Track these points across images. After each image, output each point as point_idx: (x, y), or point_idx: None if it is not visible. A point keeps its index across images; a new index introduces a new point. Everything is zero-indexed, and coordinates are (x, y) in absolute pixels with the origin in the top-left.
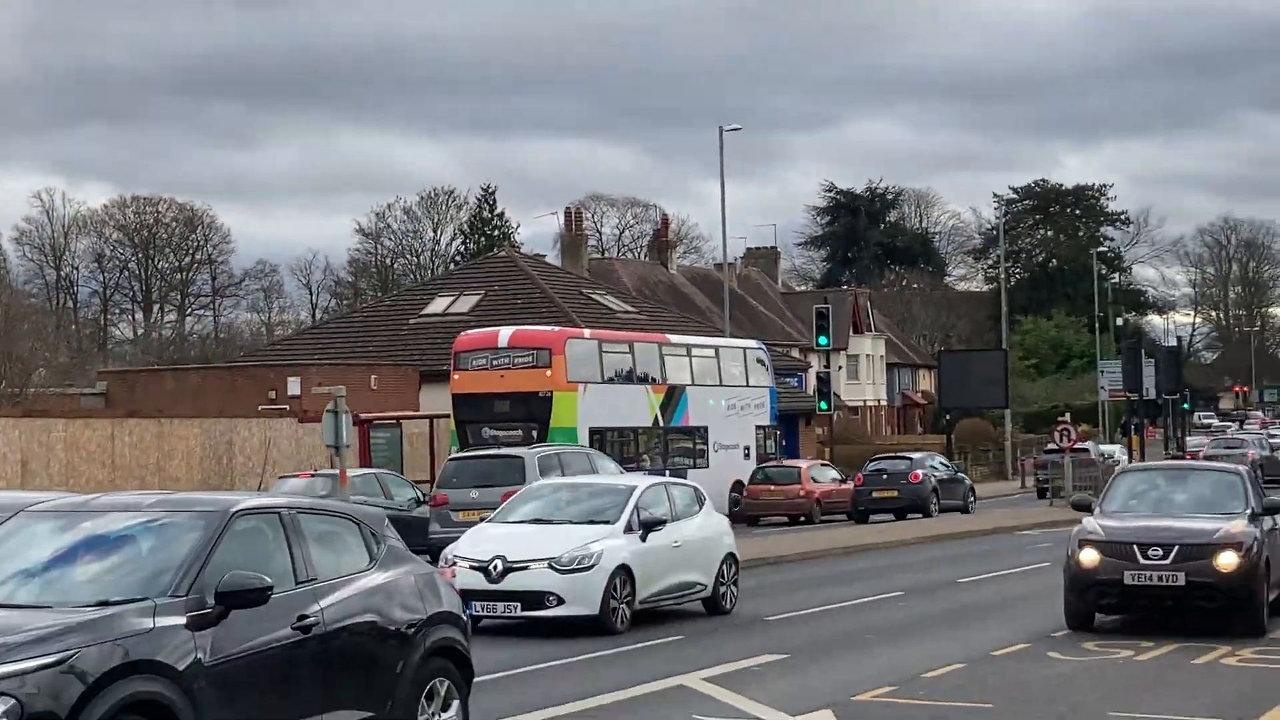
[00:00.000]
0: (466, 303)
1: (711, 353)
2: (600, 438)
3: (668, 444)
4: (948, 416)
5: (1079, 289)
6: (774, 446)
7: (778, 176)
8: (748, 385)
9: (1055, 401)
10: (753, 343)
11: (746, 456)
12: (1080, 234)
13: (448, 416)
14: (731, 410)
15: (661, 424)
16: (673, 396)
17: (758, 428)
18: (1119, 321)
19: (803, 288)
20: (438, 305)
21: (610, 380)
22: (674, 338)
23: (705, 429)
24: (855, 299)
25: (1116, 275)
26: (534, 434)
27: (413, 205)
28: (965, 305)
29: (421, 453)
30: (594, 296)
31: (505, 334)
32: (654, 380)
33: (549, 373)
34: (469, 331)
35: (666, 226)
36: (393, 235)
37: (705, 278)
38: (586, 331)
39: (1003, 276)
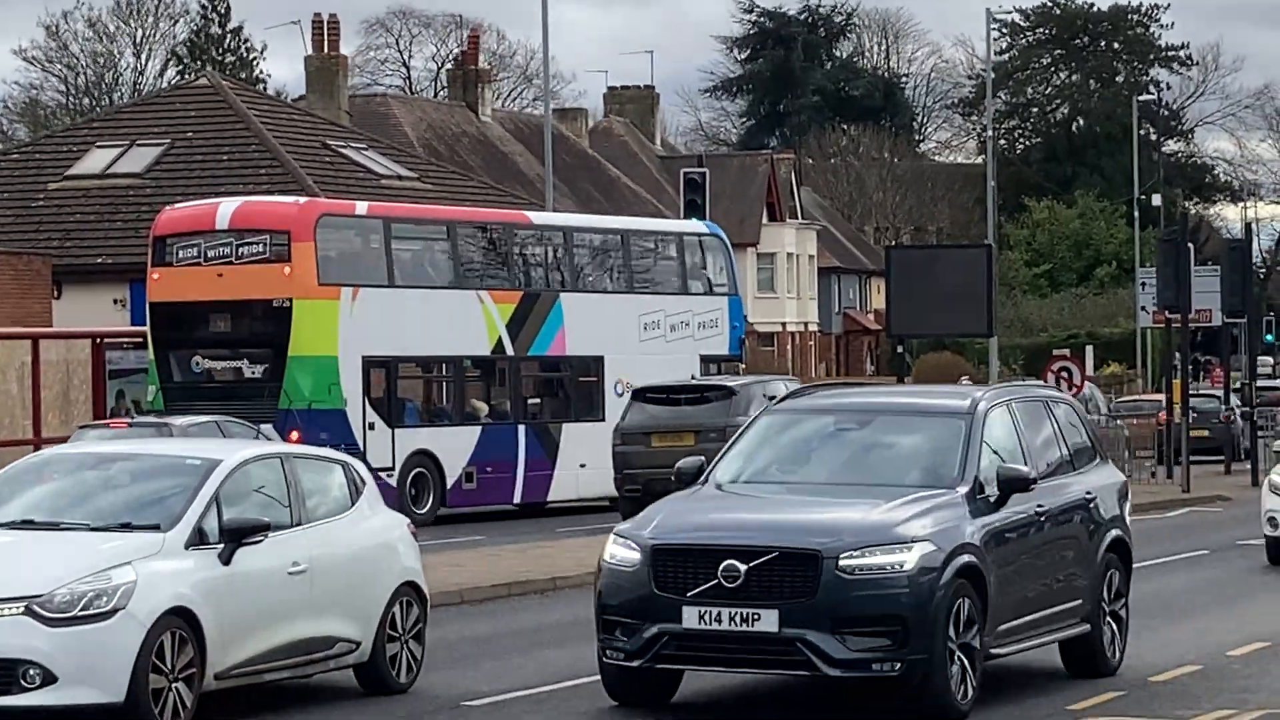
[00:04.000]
0: (141, 157)
1: (615, 240)
2: (385, 373)
3: (524, 385)
4: (900, 348)
5: (1117, 161)
6: None
7: None
8: (686, 292)
9: (1075, 328)
10: (699, 224)
11: None
12: (1120, 79)
13: (74, 337)
14: (653, 331)
15: (511, 352)
16: (533, 309)
17: (705, 359)
18: (1157, 204)
19: (705, 149)
20: (95, 160)
21: (402, 284)
22: (539, 216)
23: (599, 360)
24: (773, 167)
25: (1172, 142)
26: (267, 367)
27: (101, 15)
28: (947, 183)
29: (15, 396)
30: (345, 152)
31: (227, 209)
32: (496, 283)
33: (287, 269)
34: (176, 206)
35: (476, 48)
36: (72, 61)
37: (539, 129)
38: (361, 204)
39: (990, 129)
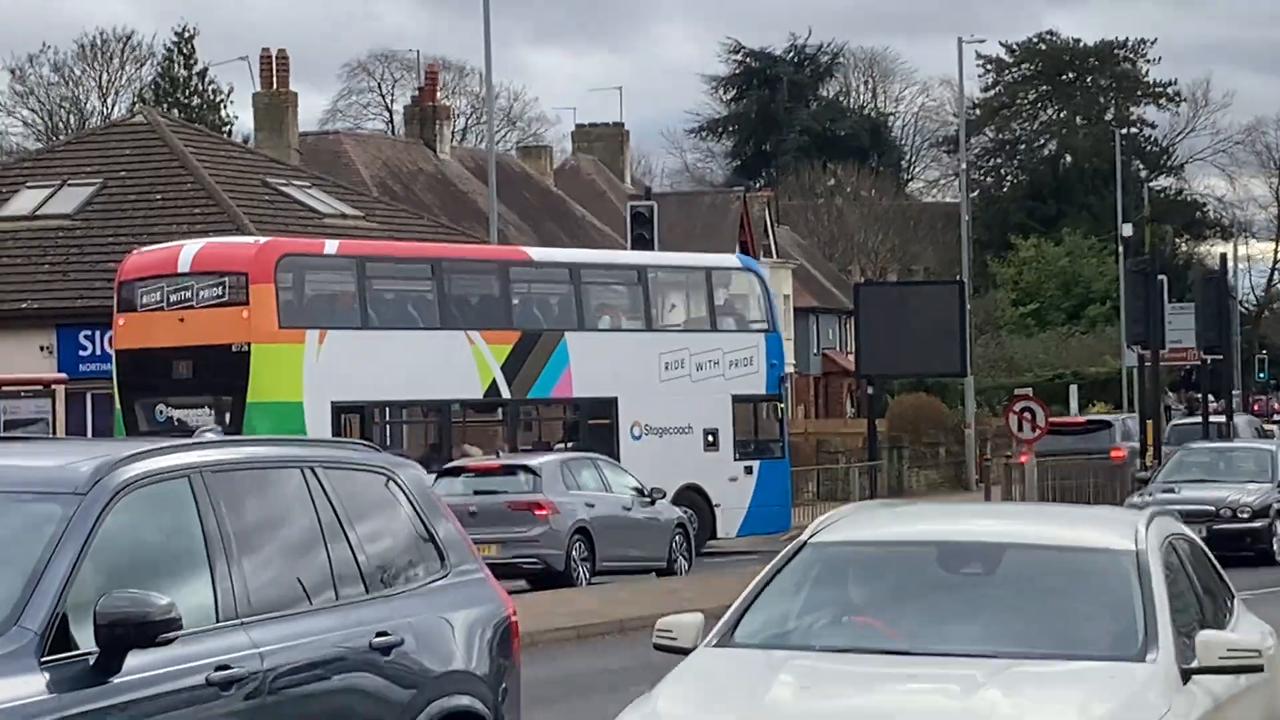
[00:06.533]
0: (72, 198)
1: (631, 276)
2: (359, 419)
3: (520, 429)
4: (871, 389)
5: (1104, 199)
6: (775, 429)
7: (644, 43)
8: (714, 329)
9: (1060, 368)
10: (730, 258)
11: (711, 446)
12: (1108, 115)
13: None
14: (676, 370)
15: (508, 394)
16: (534, 349)
17: (738, 399)
18: (1128, 234)
19: (679, 187)
20: (25, 201)
21: (378, 325)
22: (539, 252)
23: (613, 402)
24: (745, 205)
25: (1162, 178)
26: (227, 415)
27: (67, 59)
28: (931, 222)
29: None
30: (286, 190)
31: (189, 251)
32: (490, 323)
33: (245, 312)
34: (143, 250)
35: (434, 85)
36: (39, 104)
37: (500, 167)
38: (330, 243)
39: (963, 161)
